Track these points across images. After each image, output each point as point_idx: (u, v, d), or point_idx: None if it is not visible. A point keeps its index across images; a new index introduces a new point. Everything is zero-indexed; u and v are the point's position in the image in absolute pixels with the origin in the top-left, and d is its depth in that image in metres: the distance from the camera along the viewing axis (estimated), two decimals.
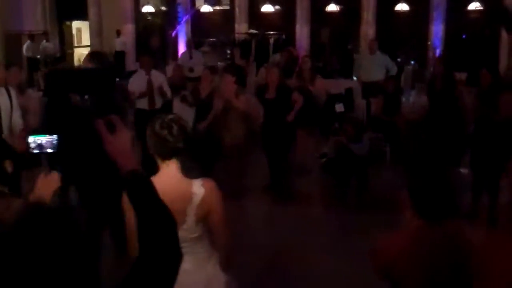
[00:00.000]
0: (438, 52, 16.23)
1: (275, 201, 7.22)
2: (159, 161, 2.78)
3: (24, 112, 6.04)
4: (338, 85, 11.50)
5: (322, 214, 7.09)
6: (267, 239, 6.14)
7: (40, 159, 2.31)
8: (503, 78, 10.20)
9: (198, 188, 2.78)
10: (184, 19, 18.41)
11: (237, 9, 18.35)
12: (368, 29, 17.04)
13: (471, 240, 2.52)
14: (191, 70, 11.55)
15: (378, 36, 15.26)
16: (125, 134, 1.66)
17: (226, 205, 2.96)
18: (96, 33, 18.62)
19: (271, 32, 17.35)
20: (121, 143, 1.65)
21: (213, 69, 8.47)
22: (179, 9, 18.42)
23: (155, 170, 2.82)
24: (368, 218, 6.45)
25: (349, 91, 11.35)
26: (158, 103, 8.04)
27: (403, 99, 9.92)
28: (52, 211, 1.33)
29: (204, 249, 2.89)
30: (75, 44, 20.99)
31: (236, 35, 17.71)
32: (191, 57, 12.30)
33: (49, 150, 2.30)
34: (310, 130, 8.67)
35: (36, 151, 2.32)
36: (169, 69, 11.99)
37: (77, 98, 1.92)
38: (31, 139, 2.32)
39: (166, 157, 2.74)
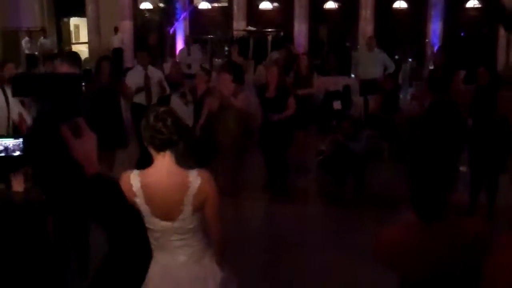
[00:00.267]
0: (436, 49, 16.25)
1: (273, 199, 7.22)
2: (154, 153, 2.81)
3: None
4: (336, 83, 11.49)
5: (319, 211, 7.09)
6: (264, 237, 6.15)
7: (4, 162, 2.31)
8: (501, 76, 10.21)
9: (195, 177, 2.80)
10: (182, 16, 18.40)
11: (235, 6, 18.35)
12: (366, 26, 17.04)
13: (480, 236, 2.50)
14: (189, 66, 11.55)
15: (376, 34, 15.27)
16: (90, 138, 1.69)
17: (223, 203, 2.97)
18: (94, 30, 18.61)
19: (269, 30, 17.34)
20: (86, 147, 1.67)
21: (207, 71, 8.49)
22: (177, 6, 18.41)
23: (152, 163, 2.85)
24: (365, 215, 6.46)
25: (347, 88, 11.35)
26: (155, 98, 8.07)
27: (401, 96, 9.92)
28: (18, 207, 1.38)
29: (199, 242, 2.90)
30: (73, 41, 20.98)
31: (234, 32, 17.70)
32: (189, 54, 12.30)
33: (16, 153, 2.30)
34: (307, 128, 8.67)
35: (2, 154, 2.31)
36: (167, 66, 11.99)
37: (40, 102, 1.92)
38: None
39: (161, 148, 2.77)
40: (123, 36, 18.15)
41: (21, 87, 1.67)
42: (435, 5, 17.01)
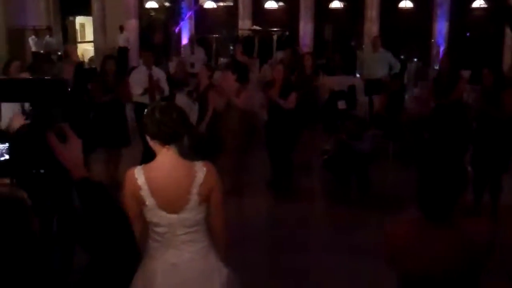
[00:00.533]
0: (441, 49, 16.21)
1: (277, 198, 7.23)
2: (158, 148, 2.82)
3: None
4: (341, 82, 11.48)
5: (323, 210, 7.10)
6: (268, 235, 6.15)
7: None
8: (507, 76, 10.18)
9: (200, 167, 2.83)
10: (187, 15, 18.41)
11: (240, 6, 18.35)
12: (371, 26, 17.02)
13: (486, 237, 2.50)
14: (192, 65, 11.56)
15: (382, 33, 15.24)
16: (75, 143, 1.71)
17: (227, 201, 2.97)
18: (99, 29, 18.64)
19: (275, 29, 17.34)
20: (72, 151, 1.70)
21: (210, 67, 8.49)
22: (183, 5, 18.43)
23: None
24: (369, 215, 6.44)
25: (352, 88, 11.34)
26: (159, 97, 8.07)
27: (406, 97, 9.90)
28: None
29: (205, 238, 2.91)
30: (79, 40, 21.02)
31: (240, 32, 17.70)
32: (193, 53, 12.33)
33: (1, 158, 2.29)
34: (313, 127, 8.67)
35: None
36: (172, 65, 12.01)
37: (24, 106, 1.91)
38: None
39: (166, 141, 2.78)
40: (129, 35, 18.17)
41: (5, 93, 1.67)
42: (441, 5, 16.97)
